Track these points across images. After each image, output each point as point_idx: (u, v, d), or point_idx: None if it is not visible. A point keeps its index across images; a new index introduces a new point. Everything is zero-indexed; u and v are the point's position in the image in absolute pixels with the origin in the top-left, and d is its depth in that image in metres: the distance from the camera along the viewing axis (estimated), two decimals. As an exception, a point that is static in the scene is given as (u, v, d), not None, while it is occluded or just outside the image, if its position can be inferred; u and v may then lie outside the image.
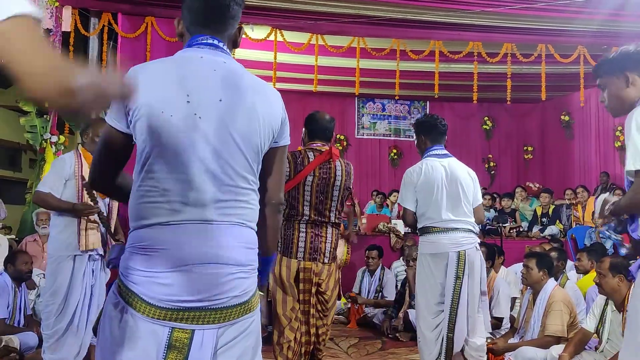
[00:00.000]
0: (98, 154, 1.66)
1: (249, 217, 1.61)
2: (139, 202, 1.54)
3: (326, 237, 3.63)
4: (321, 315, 3.71)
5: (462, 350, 3.73)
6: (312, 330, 3.66)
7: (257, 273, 1.65)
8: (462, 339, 3.67)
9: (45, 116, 7.18)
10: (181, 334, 1.49)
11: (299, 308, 3.63)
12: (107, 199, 4.05)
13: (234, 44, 1.76)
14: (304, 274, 3.59)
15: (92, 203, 3.84)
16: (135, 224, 1.55)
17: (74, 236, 3.83)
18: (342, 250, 3.99)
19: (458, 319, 3.65)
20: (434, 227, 3.72)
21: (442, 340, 3.68)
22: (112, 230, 4.06)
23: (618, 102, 2.37)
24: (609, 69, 2.37)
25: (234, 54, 1.76)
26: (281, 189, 1.78)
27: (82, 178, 3.88)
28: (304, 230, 3.59)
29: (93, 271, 3.92)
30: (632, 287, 2.22)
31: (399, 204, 10.39)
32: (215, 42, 1.66)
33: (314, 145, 3.68)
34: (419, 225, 3.82)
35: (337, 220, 3.71)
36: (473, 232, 3.77)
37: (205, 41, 1.65)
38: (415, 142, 4.03)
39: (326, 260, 3.64)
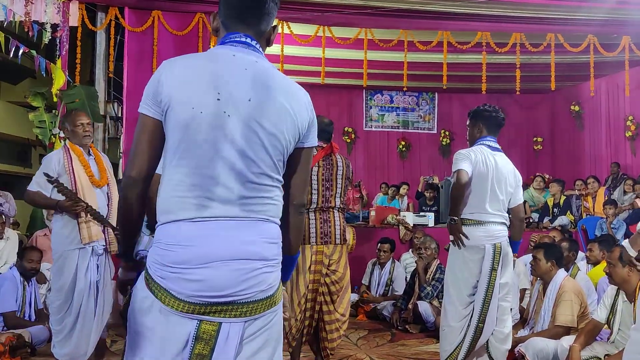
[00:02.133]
0: (134, 143, 1.65)
1: (272, 213, 1.66)
2: (169, 195, 1.58)
3: (334, 221, 4.00)
4: (333, 299, 3.98)
5: (488, 346, 3.76)
6: (320, 316, 4.00)
7: (280, 267, 1.68)
8: (490, 330, 3.71)
9: (54, 111, 7.21)
10: (209, 326, 1.54)
11: (308, 292, 3.94)
12: (106, 187, 4.02)
13: (268, 42, 1.77)
14: (317, 256, 3.94)
15: (71, 201, 3.77)
16: (164, 217, 1.59)
17: (75, 230, 3.81)
18: (348, 236, 4.41)
19: (490, 310, 3.68)
20: (469, 219, 3.73)
21: (469, 330, 3.71)
22: (109, 219, 3.98)
23: None
24: None
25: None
26: (304, 190, 1.80)
27: (74, 171, 3.86)
28: (313, 217, 3.94)
29: (98, 267, 3.88)
30: None
31: (408, 195, 10.41)
32: (249, 40, 1.68)
33: (317, 143, 3.96)
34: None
35: (341, 206, 4.08)
36: (506, 224, 3.80)
37: (238, 39, 1.67)
38: (468, 129, 4.04)
39: (337, 242, 4.00)
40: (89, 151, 4.04)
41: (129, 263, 1.82)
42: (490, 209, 3.73)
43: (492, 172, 3.73)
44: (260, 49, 1.71)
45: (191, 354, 1.55)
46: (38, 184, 3.83)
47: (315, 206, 3.94)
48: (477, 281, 3.71)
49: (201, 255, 1.54)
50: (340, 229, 4.02)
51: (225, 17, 1.71)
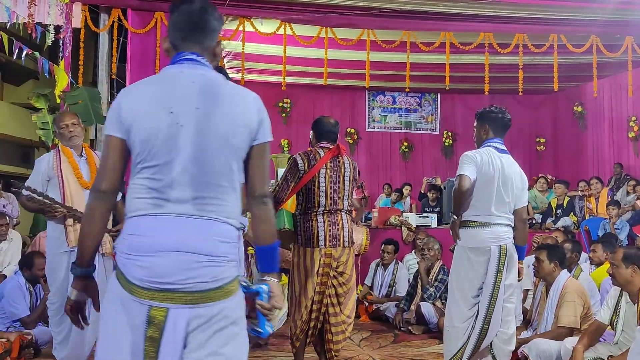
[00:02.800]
0: (101, 160, 1.87)
1: (226, 214, 1.80)
2: (131, 198, 1.79)
3: (342, 223, 3.96)
4: (339, 300, 3.96)
5: (492, 346, 3.77)
6: (321, 317, 3.97)
7: (234, 265, 1.81)
8: (495, 331, 3.72)
9: (57, 113, 7.22)
10: (158, 311, 1.71)
11: (315, 294, 3.92)
12: None
13: (215, 56, 1.96)
14: (325, 259, 3.90)
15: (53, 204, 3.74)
16: (127, 215, 1.80)
17: (64, 233, 3.78)
18: (361, 237, 4.43)
19: (495, 312, 3.68)
20: (475, 221, 3.73)
21: (473, 332, 3.71)
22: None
23: None
24: None
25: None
26: (264, 182, 1.92)
27: (62, 173, 3.83)
28: (322, 220, 3.91)
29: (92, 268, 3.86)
30: None
31: (411, 197, 10.40)
32: (194, 56, 1.87)
33: (323, 144, 4.03)
34: (462, 219, 3.81)
35: (349, 208, 4.06)
36: (511, 226, 3.80)
37: (185, 57, 1.87)
38: (475, 131, 4.05)
39: (346, 244, 3.96)
40: (81, 152, 4.02)
41: (80, 281, 1.91)
42: (496, 211, 3.73)
43: (498, 174, 3.73)
44: (207, 63, 1.89)
45: (145, 337, 1.71)
46: (29, 188, 3.82)
47: (323, 209, 3.90)
48: (483, 282, 3.71)
49: (150, 244, 1.72)
50: (348, 232, 3.98)
51: (174, 39, 1.90)
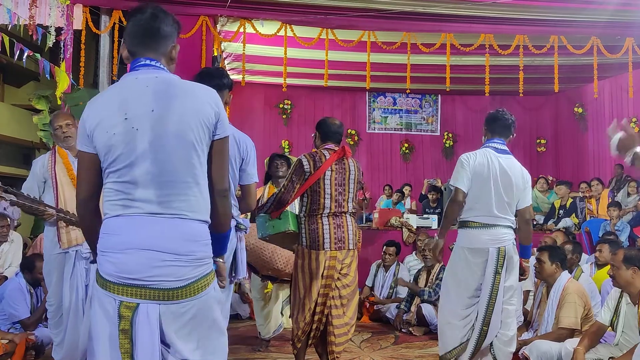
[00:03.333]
0: (78, 173, 2.02)
1: (191, 209, 1.90)
2: (104, 201, 1.93)
3: (347, 226, 3.96)
4: (342, 303, 3.94)
5: (492, 347, 3.78)
6: (324, 319, 3.94)
7: (202, 262, 1.91)
8: (495, 333, 3.73)
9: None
10: (126, 306, 1.82)
11: (319, 296, 3.91)
12: None
13: (171, 59, 2.06)
14: (330, 262, 3.89)
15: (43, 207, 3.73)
16: (103, 217, 1.95)
17: (57, 235, 3.78)
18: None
19: (494, 313, 3.69)
20: (475, 222, 3.76)
21: (473, 333, 3.73)
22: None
23: None
24: None
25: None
26: (224, 177, 2.04)
27: (55, 175, 3.82)
28: (327, 222, 3.90)
29: (86, 270, 3.81)
30: None
31: (413, 198, 10.39)
32: (148, 61, 1.97)
33: (328, 146, 4.00)
34: (461, 217, 3.85)
35: (353, 210, 4.07)
36: (512, 228, 3.81)
37: (140, 63, 1.97)
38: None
39: (351, 247, 3.97)
40: (76, 153, 4.01)
41: None
42: (497, 212, 3.74)
43: (495, 174, 3.74)
44: (161, 66, 1.99)
45: (118, 329, 1.83)
46: (25, 188, 3.82)
47: (328, 211, 3.89)
48: (480, 284, 3.72)
49: (120, 242, 1.84)
50: (353, 234, 3.99)
51: (130, 46, 2.01)
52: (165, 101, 1.89)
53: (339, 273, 3.93)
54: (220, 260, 2.10)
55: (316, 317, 3.91)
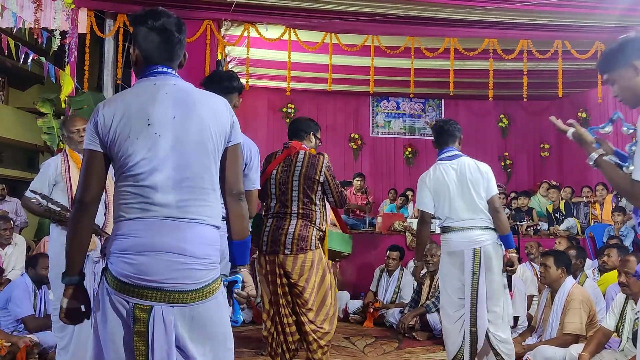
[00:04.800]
0: (81, 172, 1.98)
1: (208, 214, 1.92)
2: (118, 203, 1.91)
3: (287, 228, 3.68)
4: (302, 311, 3.70)
5: (491, 343, 3.82)
6: (287, 329, 3.74)
7: (215, 267, 1.93)
8: (484, 333, 3.79)
9: (62, 117, 7.25)
10: (142, 308, 1.81)
11: (273, 303, 3.77)
12: (103, 195, 3.98)
13: (180, 66, 2.07)
14: (269, 266, 3.73)
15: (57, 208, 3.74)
16: (116, 219, 1.92)
17: None
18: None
19: (479, 314, 3.77)
20: (451, 226, 3.89)
21: (465, 334, 3.81)
22: (106, 227, 3.92)
23: (631, 93, 2.32)
24: (614, 62, 2.31)
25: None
26: (239, 180, 2.06)
27: (70, 179, 3.82)
28: (270, 224, 3.76)
29: (95, 275, 3.79)
30: None
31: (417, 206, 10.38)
32: (165, 69, 1.99)
33: (288, 143, 3.93)
34: (440, 225, 4.01)
35: (302, 211, 3.73)
36: (490, 228, 3.85)
37: (157, 70, 1.98)
38: None
39: (287, 252, 3.66)
40: None
41: (68, 289, 1.98)
42: (468, 215, 3.84)
43: (453, 182, 3.87)
44: (176, 74, 2.02)
45: (132, 332, 1.82)
46: (35, 190, 3.82)
47: (272, 212, 3.76)
48: (464, 285, 3.83)
49: (139, 244, 1.83)
50: (292, 237, 3.65)
51: (144, 52, 1.99)
52: (186, 109, 1.92)
53: (288, 279, 3.67)
54: (245, 269, 2.09)
55: (280, 328, 3.73)
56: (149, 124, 1.88)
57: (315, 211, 3.77)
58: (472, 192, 3.84)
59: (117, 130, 1.89)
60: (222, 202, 2.06)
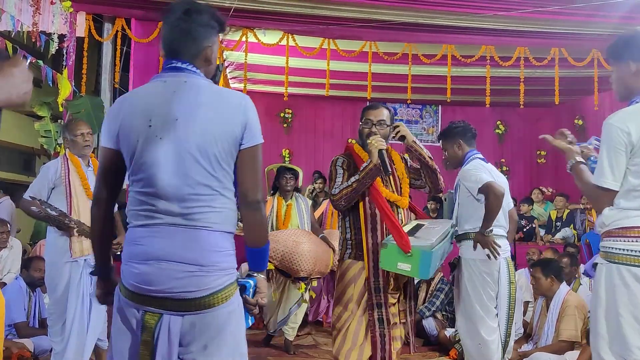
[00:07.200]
0: (98, 171, 1.97)
1: (215, 220, 1.82)
2: (129, 208, 1.87)
3: None
4: None
5: None
6: None
7: (226, 273, 1.83)
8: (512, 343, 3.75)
9: (59, 121, 7.26)
10: (151, 316, 1.78)
11: None
12: None
13: (206, 61, 1.94)
14: None
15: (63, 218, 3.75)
16: (129, 225, 1.89)
17: (67, 244, 3.77)
18: None
19: (514, 324, 3.73)
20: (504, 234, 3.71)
21: (499, 346, 3.69)
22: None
23: (623, 86, 2.44)
24: (615, 54, 2.46)
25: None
26: (256, 187, 1.89)
27: (70, 183, 3.83)
28: None
29: (91, 279, 3.80)
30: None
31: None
32: (179, 64, 1.89)
33: None
34: (472, 227, 3.71)
35: None
36: (505, 236, 3.83)
37: (170, 65, 1.90)
38: (446, 152, 3.94)
39: None
40: (88, 162, 4.02)
41: (99, 280, 2.07)
42: (502, 223, 3.76)
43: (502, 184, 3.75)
44: (193, 69, 1.89)
45: (140, 340, 1.78)
46: (33, 193, 3.82)
47: None
48: (497, 294, 3.69)
49: (143, 252, 1.79)
50: None
51: (162, 48, 1.93)
52: (191, 109, 1.81)
53: None
54: (262, 275, 1.99)
55: None
56: (150, 125, 1.80)
57: None
58: (505, 201, 3.72)
59: (122, 128, 1.83)
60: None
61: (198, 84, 1.87)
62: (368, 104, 3.43)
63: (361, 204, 3.19)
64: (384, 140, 3.16)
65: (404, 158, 3.50)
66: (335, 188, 3.19)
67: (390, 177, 3.29)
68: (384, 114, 3.29)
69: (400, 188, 3.32)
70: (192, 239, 1.78)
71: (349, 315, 3.17)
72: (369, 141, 3.18)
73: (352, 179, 3.13)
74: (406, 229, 3.10)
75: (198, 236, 1.79)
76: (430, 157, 3.35)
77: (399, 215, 3.23)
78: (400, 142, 3.33)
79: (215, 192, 1.82)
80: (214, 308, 1.79)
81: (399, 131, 3.28)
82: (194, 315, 1.78)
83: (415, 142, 3.31)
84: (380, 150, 3.10)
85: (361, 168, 3.14)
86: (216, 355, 1.81)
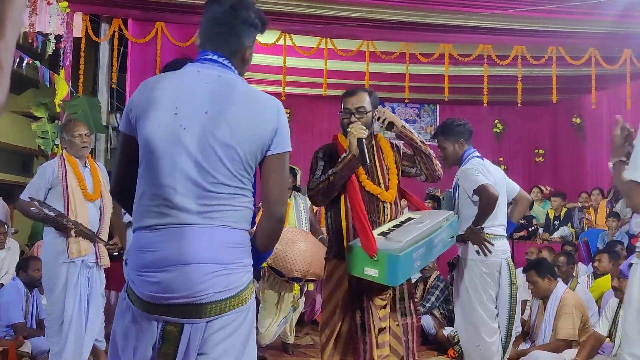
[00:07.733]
0: (117, 159, 1.87)
1: (235, 219, 1.71)
2: (137, 204, 1.73)
3: None
4: None
5: None
6: None
7: (247, 269, 1.74)
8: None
9: (56, 122, 7.24)
10: (172, 327, 1.65)
11: None
12: (98, 201, 3.98)
13: (243, 60, 1.87)
14: None
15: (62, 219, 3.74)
16: (135, 225, 1.74)
17: (64, 244, 3.76)
18: None
19: (516, 324, 3.70)
20: (488, 233, 3.63)
21: (499, 348, 3.66)
22: (100, 233, 3.96)
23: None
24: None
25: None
26: (282, 200, 1.78)
27: (67, 184, 3.81)
28: None
29: (89, 279, 3.83)
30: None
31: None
32: (215, 57, 1.80)
33: None
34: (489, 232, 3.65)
35: None
36: (505, 236, 3.78)
37: (206, 57, 1.81)
38: (445, 149, 3.85)
39: None
40: (85, 162, 4.01)
41: None
42: (503, 222, 3.72)
43: (501, 181, 3.75)
44: (229, 65, 1.80)
45: (159, 352, 1.66)
46: (30, 194, 3.80)
47: None
48: (497, 296, 3.67)
49: (160, 259, 1.65)
50: None
51: (201, 38, 1.86)
52: (222, 105, 1.70)
53: None
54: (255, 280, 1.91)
55: None
56: (175, 113, 1.68)
57: None
58: (504, 198, 3.72)
59: (144, 114, 1.70)
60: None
61: (233, 81, 1.77)
62: (346, 90, 3.15)
63: (342, 199, 2.91)
64: (364, 128, 2.86)
65: (396, 145, 3.18)
66: (312, 182, 2.93)
67: (377, 168, 3.01)
68: (363, 99, 3.01)
69: (388, 180, 3.01)
70: (211, 237, 1.67)
71: (336, 322, 2.91)
72: (348, 129, 2.91)
73: (330, 172, 2.86)
74: (390, 225, 2.83)
75: (217, 234, 1.68)
76: (422, 142, 3.06)
77: (384, 210, 2.93)
78: (390, 131, 3.05)
79: (235, 192, 1.71)
80: (238, 309, 1.70)
81: (385, 119, 3.01)
82: (217, 320, 1.67)
83: (404, 127, 3.03)
84: (359, 139, 2.80)
85: (339, 159, 2.89)
86: (247, 355, 1.74)
